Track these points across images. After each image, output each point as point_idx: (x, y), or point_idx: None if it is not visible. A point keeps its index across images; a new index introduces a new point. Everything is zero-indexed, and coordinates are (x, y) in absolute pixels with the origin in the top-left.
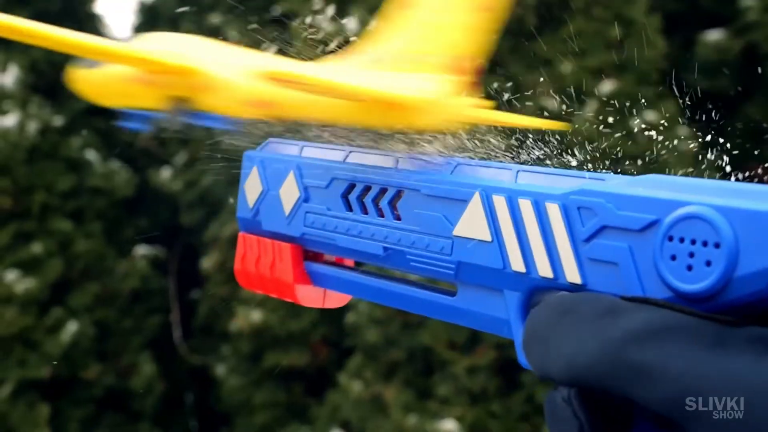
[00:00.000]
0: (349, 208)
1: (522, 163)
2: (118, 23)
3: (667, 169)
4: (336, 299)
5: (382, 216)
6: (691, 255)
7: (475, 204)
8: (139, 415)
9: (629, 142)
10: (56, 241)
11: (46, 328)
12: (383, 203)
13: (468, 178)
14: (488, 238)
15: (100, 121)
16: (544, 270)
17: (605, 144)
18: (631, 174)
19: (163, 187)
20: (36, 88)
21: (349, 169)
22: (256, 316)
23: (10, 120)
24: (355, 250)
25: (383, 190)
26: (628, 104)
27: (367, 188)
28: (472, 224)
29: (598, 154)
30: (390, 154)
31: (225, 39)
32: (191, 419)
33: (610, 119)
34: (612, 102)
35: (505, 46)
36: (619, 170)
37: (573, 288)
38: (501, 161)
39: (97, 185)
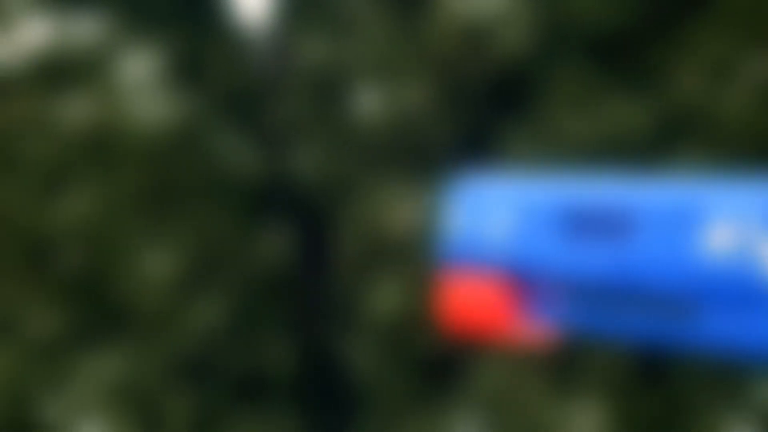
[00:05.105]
0: (574, 236)
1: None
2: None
3: None
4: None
5: (612, 242)
6: None
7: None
8: (275, 399)
9: None
10: (194, 225)
11: (185, 310)
12: (612, 229)
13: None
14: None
15: (239, 105)
16: None
17: (759, 126)
18: None
19: (298, 171)
20: (174, 74)
21: (573, 196)
22: (392, 299)
23: (147, 105)
24: (581, 279)
25: (613, 215)
26: None
27: (594, 214)
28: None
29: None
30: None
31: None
32: (324, 403)
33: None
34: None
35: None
36: None
37: None
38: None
39: (233, 169)
